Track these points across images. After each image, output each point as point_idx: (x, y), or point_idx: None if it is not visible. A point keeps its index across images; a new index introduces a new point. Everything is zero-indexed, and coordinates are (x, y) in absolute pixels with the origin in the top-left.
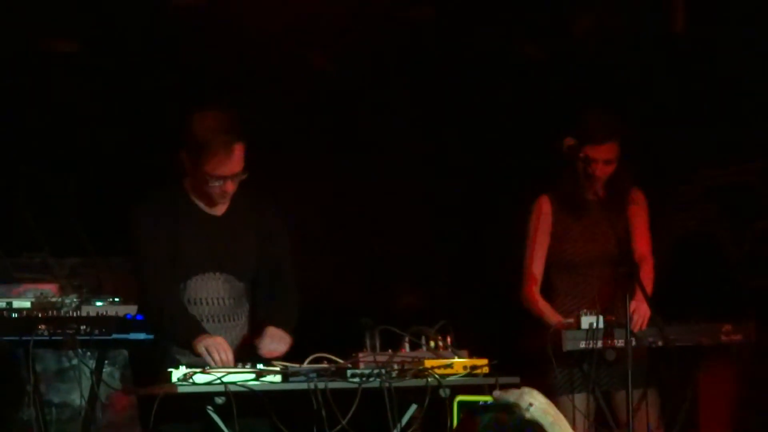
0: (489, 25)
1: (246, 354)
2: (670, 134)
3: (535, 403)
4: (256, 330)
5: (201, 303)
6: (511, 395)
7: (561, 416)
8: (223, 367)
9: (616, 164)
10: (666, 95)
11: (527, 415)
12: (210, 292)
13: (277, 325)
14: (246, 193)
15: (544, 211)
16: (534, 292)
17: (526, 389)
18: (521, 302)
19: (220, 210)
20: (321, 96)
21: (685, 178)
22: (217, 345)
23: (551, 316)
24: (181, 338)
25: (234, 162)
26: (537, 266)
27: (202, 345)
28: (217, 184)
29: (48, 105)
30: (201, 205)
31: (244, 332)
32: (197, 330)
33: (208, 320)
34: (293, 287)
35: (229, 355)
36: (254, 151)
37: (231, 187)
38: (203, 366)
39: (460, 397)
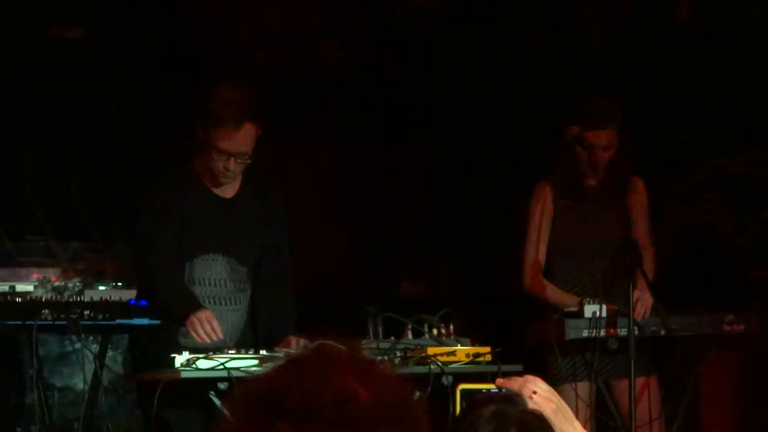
0: (491, 12)
1: (246, 339)
2: (673, 123)
3: (538, 391)
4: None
5: (204, 284)
6: (514, 383)
7: (564, 404)
8: (211, 342)
9: (616, 151)
10: (668, 84)
11: (530, 405)
12: (213, 273)
13: (291, 332)
14: (254, 179)
15: (544, 197)
16: (539, 278)
17: (529, 377)
18: (523, 289)
19: (229, 193)
20: (324, 83)
21: (688, 168)
22: (202, 319)
23: (567, 299)
24: (178, 314)
25: (241, 139)
26: (538, 253)
27: (189, 320)
28: (221, 159)
29: (52, 88)
30: (210, 186)
31: (244, 317)
32: (195, 306)
33: (209, 302)
34: (290, 278)
35: (215, 326)
36: (263, 137)
37: (234, 165)
38: (206, 351)
39: (462, 386)
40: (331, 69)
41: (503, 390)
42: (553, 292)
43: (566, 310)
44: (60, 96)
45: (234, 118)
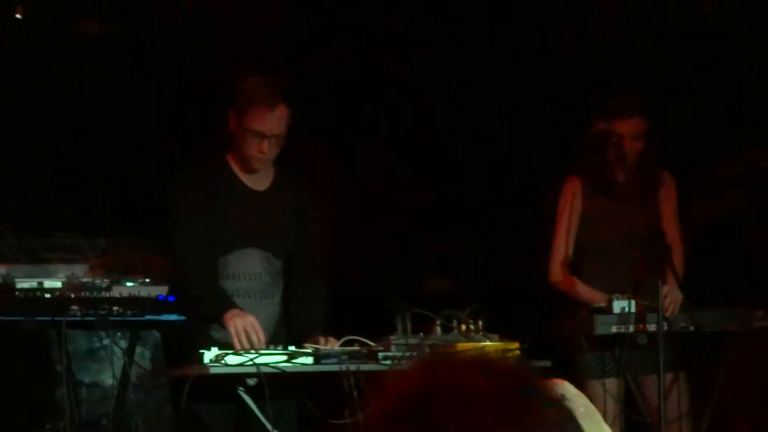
0: (512, 6)
1: (279, 333)
2: (696, 118)
3: (566, 395)
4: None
5: (239, 278)
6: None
7: (593, 407)
8: (252, 350)
9: (644, 142)
10: (692, 79)
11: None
12: (248, 267)
13: (321, 326)
14: (288, 172)
15: (573, 192)
16: (567, 274)
17: (557, 381)
18: (550, 285)
19: (262, 186)
20: (357, 82)
21: (713, 162)
22: (248, 326)
23: (595, 296)
24: (211, 311)
25: (275, 120)
26: (567, 248)
27: (233, 325)
28: (255, 141)
29: (78, 85)
30: (243, 179)
31: (277, 311)
32: (228, 304)
33: (244, 296)
34: (323, 272)
35: (261, 337)
36: (294, 131)
37: (268, 148)
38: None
39: None
40: (364, 69)
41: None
42: (582, 288)
43: (595, 306)
44: (86, 91)
45: (268, 97)
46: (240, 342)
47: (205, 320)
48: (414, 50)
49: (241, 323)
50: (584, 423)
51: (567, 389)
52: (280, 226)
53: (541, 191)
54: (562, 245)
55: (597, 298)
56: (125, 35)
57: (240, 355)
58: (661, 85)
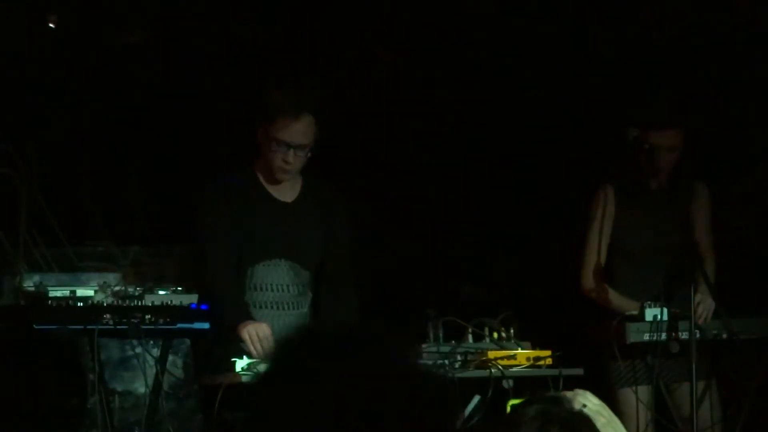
0: (554, 12)
1: None
2: (731, 125)
3: (588, 405)
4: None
5: (266, 289)
6: (564, 397)
7: (615, 418)
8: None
9: (680, 153)
10: (728, 86)
11: (576, 408)
12: (276, 278)
13: None
14: (315, 182)
15: (606, 199)
16: (599, 281)
17: (579, 391)
18: (582, 292)
19: (289, 197)
20: (387, 91)
21: (748, 169)
22: (260, 332)
23: (627, 304)
24: (228, 322)
25: (300, 130)
26: (599, 256)
27: (246, 332)
28: (280, 151)
29: (111, 94)
30: (271, 191)
31: (306, 321)
32: (244, 316)
33: (272, 307)
34: (353, 282)
35: (270, 345)
36: (323, 139)
37: (293, 159)
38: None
39: (513, 401)
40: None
41: (551, 392)
42: (613, 296)
43: (627, 314)
44: (118, 102)
45: (294, 107)
46: (255, 349)
47: (225, 331)
48: (447, 57)
49: (254, 330)
50: None
51: (589, 399)
52: (307, 237)
53: (575, 198)
54: (594, 253)
55: (628, 305)
56: (157, 44)
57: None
58: (701, 90)
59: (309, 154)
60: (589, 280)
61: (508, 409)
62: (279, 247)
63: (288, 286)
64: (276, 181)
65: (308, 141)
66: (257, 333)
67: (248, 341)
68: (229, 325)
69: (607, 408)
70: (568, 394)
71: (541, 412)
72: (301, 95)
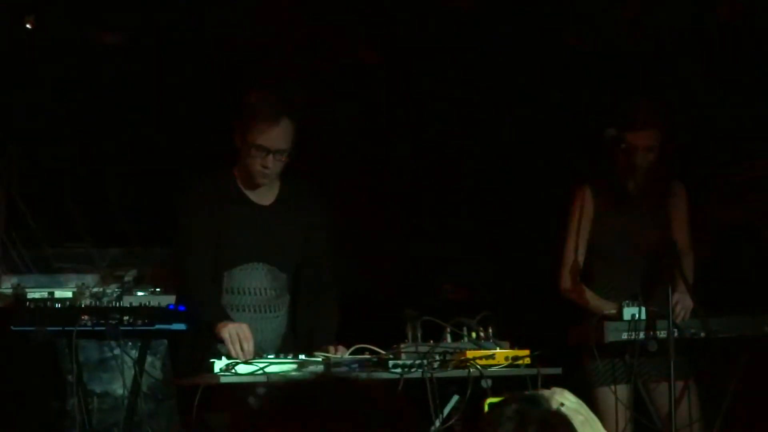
0: (531, 14)
1: (286, 346)
2: (714, 124)
3: (566, 403)
4: (296, 324)
5: (244, 293)
6: (541, 395)
7: (593, 416)
8: (245, 357)
9: (658, 154)
10: (710, 84)
11: (554, 407)
12: (253, 282)
13: (332, 338)
14: (293, 184)
15: (584, 200)
16: (576, 281)
17: (557, 390)
18: (559, 291)
19: (267, 200)
20: (365, 88)
21: (729, 169)
22: (240, 333)
23: (604, 304)
24: (207, 323)
25: (278, 135)
26: (576, 256)
27: (227, 331)
28: (258, 156)
29: (91, 96)
30: (249, 194)
31: (284, 323)
32: (223, 316)
33: (249, 310)
34: (332, 284)
35: (251, 346)
36: (302, 142)
37: (272, 163)
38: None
39: (490, 399)
40: (375, 75)
41: (529, 391)
42: (591, 297)
43: (605, 313)
44: (98, 102)
45: (271, 112)
46: (234, 348)
47: (203, 332)
48: (428, 58)
49: (235, 331)
50: (583, 431)
51: (567, 397)
52: (285, 240)
53: (553, 198)
54: (572, 253)
55: (605, 306)
56: (138, 44)
57: (250, 364)
58: (679, 90)
59: (288, 158)
60: (566, 281)
61: (486, 408)
62: (256, 250)
63: (266, 289)
64: (254, 185)
65: (287, 145)
66: (238, 333)
67: (228, 342)
68: (208, 325)
69: (585, 406)
70: (546, 392)
71: (518, 411)
72: (279, 99)
